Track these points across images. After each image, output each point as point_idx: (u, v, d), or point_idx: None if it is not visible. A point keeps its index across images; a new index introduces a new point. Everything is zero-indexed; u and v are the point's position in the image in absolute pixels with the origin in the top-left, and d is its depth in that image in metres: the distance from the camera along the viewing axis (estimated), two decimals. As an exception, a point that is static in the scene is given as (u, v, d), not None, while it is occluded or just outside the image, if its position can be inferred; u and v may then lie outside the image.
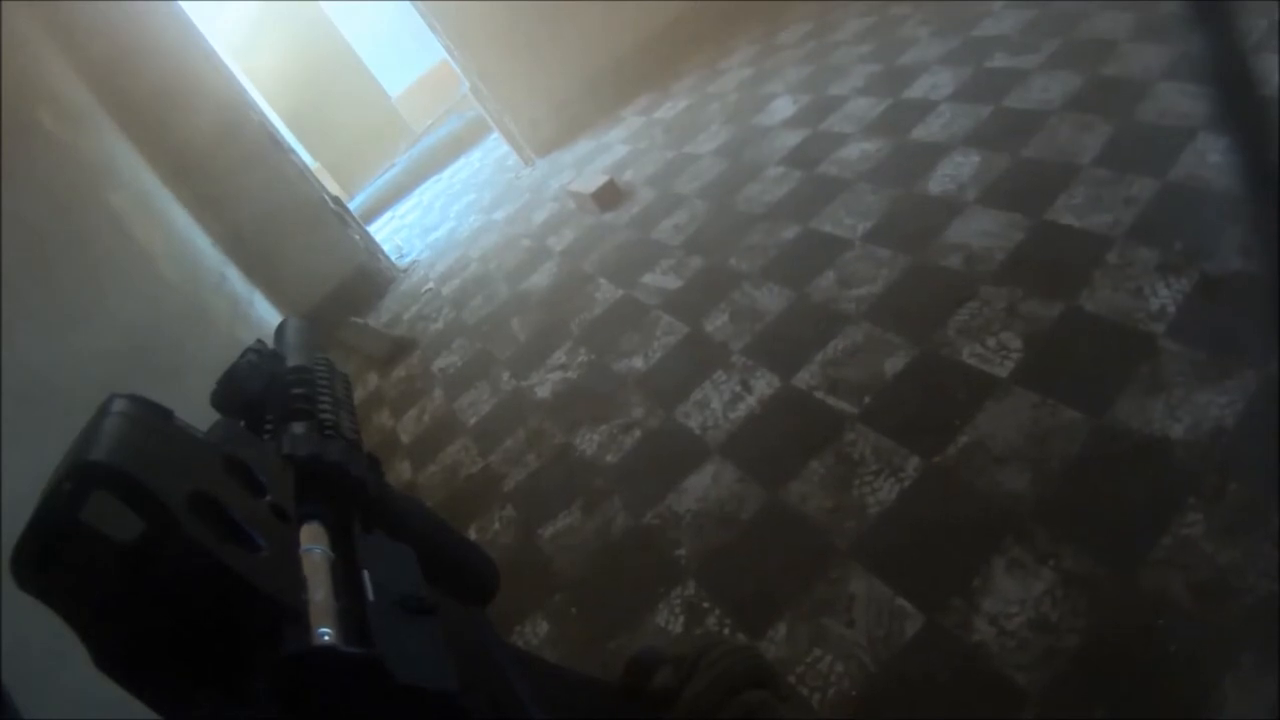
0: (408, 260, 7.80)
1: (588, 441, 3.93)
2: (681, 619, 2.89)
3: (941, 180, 4.15)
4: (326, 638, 0.61)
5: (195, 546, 0.60)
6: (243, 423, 0.92)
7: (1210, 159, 3.34)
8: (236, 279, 5.89)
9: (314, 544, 0.72)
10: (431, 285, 6.91)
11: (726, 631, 2.77)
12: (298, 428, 0.93)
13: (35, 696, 1.79)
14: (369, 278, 7.34)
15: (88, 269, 3.65)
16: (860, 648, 2.48)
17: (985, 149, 4.19)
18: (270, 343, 1.10)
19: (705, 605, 2.88)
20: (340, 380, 1.07)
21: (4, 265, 2.99)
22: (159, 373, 3.56)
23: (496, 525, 3.79)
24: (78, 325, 3.19)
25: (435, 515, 1.06)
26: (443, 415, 4.98)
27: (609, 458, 3.75)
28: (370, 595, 0.71)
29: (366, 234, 7.71)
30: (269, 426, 0.93)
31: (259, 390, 0.98)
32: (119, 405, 0.69)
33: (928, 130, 4.63)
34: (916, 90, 5.10)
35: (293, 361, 1.04)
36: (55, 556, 0.59)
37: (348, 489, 0.89)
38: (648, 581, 3.09)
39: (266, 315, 6.02)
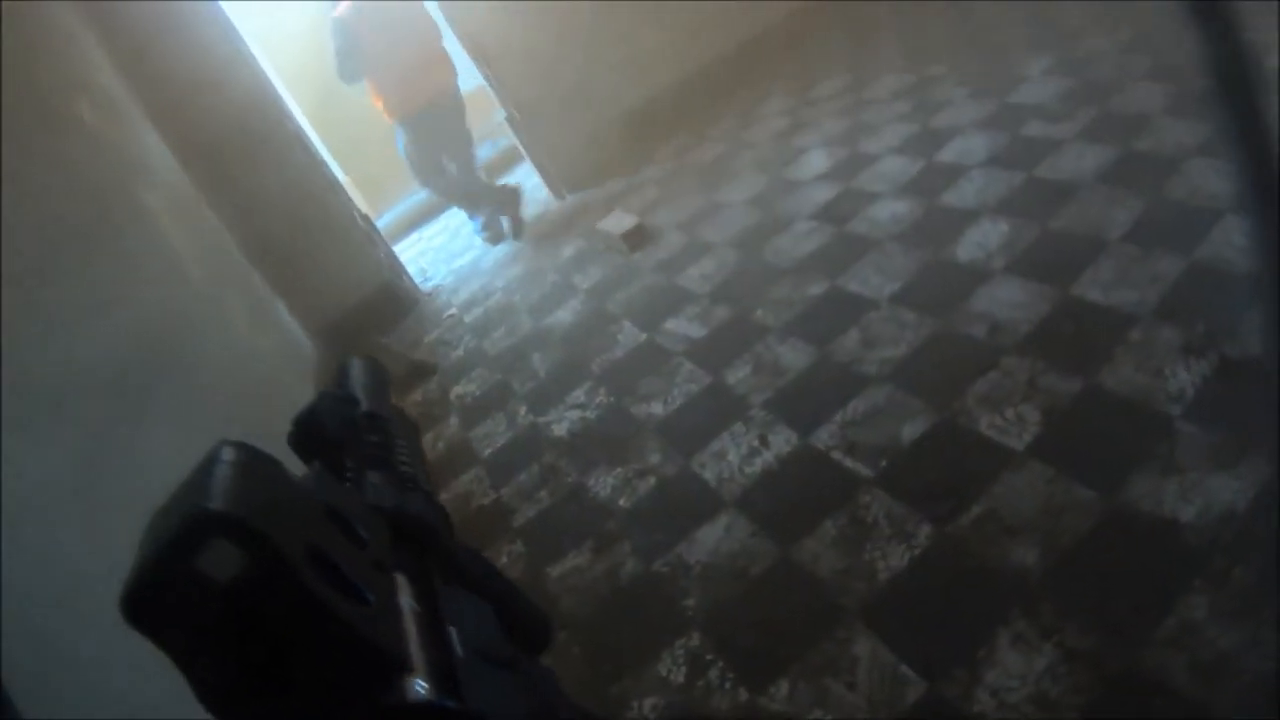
0: (431, 284, 7.81)
1: (601, 483, 3.94)
2: (684, 670, 2.90)
3: (970, 247, 4.16)
4: (421, 690, 0.63)
5: (316, 601, 0.63)
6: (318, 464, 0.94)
7: (1237, 240, 3.35)
8: (261, 286, 5.90)
9: (401, 596, 0.75)
10: (454, 311, 6.93)
11: (729, 685, 2.78)
12: (375, 477, 0.95)
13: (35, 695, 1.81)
14: (392, 297, 7.34)
15: (117, 262, 3.66)
16: (860, 710, 2.48)
17: (1015, 218, 4.21)
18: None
19: (709, 657, 2.89)
20: (411, 429, 1.09)
21: (34, 254, 3.02)
22: (176, 369, 3.58)
23: (505, 560, 3.80)
24: (102, 317, 3.20)
25: (492, 565, 1.07)
26: (457, 443, 5.00)
27: (622, 501, 3.77)
28: (459, 649, 0.73)
29: (392, 253, 7.73)
30: (348, 473, 0.95)
31: (335, 434, 1.00)
32: (229, 454, 0.71)
33: (959, 195, 4.65)
34: (950, 153, 5.12)
35: (365, 406, 1.06)
36: (166, 599, 0.62)
37: (427, 541, 0.91)
38: (653, 629, 3.10)
39: (288, 324, 6.03)
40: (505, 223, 7.83)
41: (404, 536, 0.87)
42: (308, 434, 0.99)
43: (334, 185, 7.19)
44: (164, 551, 0.62)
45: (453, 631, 0.75)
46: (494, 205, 7.75)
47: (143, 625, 0.61)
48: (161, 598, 0.61)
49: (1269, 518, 2.38)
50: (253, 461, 0.71)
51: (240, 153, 6.38)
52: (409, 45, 7.06)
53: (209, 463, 0.69)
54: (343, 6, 6.93)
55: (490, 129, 9.37)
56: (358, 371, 1.15)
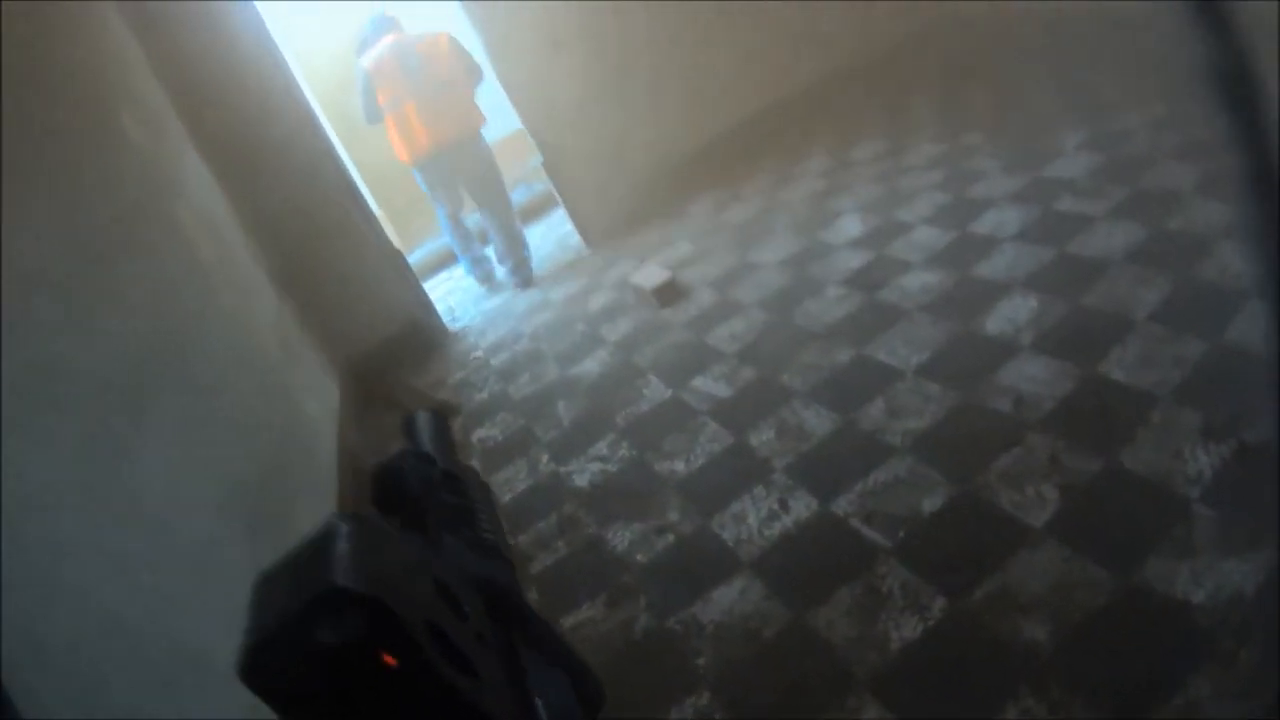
0: (459, 325, 7.84)
1: (620, 537, 3.95)
2: (692, 729, 2.91)
3: (999, 321, 4.19)
4: None
5: (437, 676, 0.65)
6: (398, 519, 0.95)
7: (1262, 326, 3.34)
8: (289, 315, 5.88)
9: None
10: (480, 354, 6.95)
11: (737, 749, 2.79)
12: (455, 541, 0.96)
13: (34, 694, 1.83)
14: (420, 334, 7.35)
15: (147, 275, 3.68)
16: (869, 782, 2.50)
17: (1044, 293, 4.24)
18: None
19: (718, 717, 2.90)
20: (484, 489, 1.10)
21: (66, 260, 3.04)
22: (186, 376, 3.59)
23: (520, 608, 3.79)
24: (112, 320, 3.23)
25: (556, 630, 1.08)
26: (478, 488, 4.96)
27: (639, 557, 3.78)
28: (544, 718, 0.76)
29: (422, 290, 7.75)
30: (429, 533, 0.97)
31: (416, 492, 1.01)
32: (346, 527, 0.72)
33: (990, 268, 4.68)
34: (982, 226, 5.16)
35: (441, 464, 1.07)
36: (286, 667, 0.64)
37: (514, 612, 0.93)
38: (663, 685, 3.11)
39: (311, 348, 6.02)
40: (501, 270, 8.20)
41: (491, 605, 0.88)
42: (389, 491, 1.00)
43: (367, 212, 7.22)
44: (289, 622, 0.64)
45: (538, 701, 0.77)
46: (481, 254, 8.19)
47: (259, 689, 0.64)
48: (281, 665, 0.64)
49: (1276, 599, 2.40)
50: (371, 535, 0.73)
51: (267, 158, 6.39)
52: (417, 94, 7.37)
53: (327, 535, 0.70)
54: (368, 54, 7.47)
55: (524, 174, 9.45)
56: (424, 424, 1.15)
